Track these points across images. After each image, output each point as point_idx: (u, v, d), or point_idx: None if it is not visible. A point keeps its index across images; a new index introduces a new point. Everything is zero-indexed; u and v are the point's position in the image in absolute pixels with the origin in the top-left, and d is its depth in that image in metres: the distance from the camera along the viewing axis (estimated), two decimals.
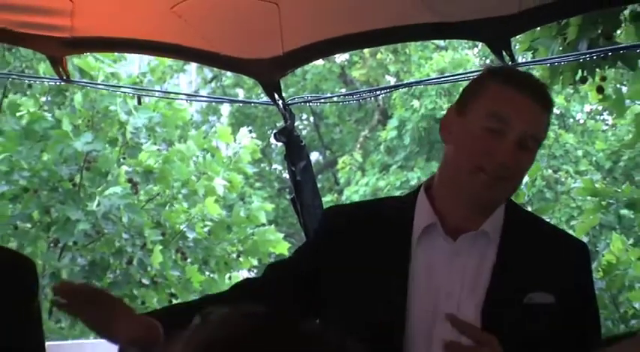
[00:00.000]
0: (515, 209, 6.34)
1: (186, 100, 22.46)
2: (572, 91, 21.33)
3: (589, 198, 23.21)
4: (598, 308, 6.30)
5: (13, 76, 20.65)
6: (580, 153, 24.09)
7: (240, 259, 22.74)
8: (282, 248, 22.47)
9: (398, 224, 6.12)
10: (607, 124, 23.03)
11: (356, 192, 25.29)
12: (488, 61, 12.80)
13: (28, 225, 21.42)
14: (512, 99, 5.91)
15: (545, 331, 5.73)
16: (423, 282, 5.94)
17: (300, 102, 14.14)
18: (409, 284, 5.93)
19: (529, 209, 16.23)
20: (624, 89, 20.85)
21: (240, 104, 24.14)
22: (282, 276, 6.51)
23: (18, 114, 21.93)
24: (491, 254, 5.93)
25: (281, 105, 11.31)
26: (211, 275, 22.39)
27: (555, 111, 24.04)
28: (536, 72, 19.34)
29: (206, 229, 22.33)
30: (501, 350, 5.55)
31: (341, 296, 6.18)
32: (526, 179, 24.35)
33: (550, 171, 23.65)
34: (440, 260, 5.98)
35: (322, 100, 21.92)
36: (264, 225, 22.97)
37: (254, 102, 17.16)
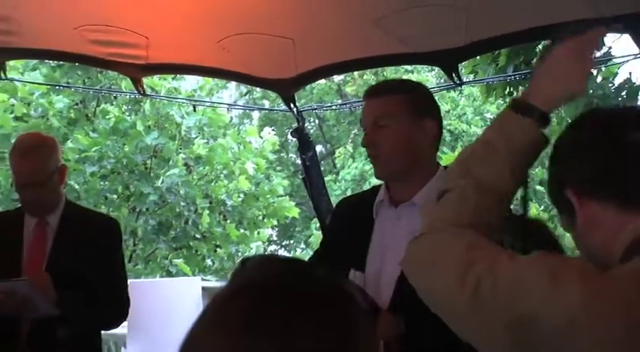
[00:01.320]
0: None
1: (227, 108, 22.62)
2: (502, 102, 21.24)
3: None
4: None
5: (104, 91, 20.84)
6: None
7: (264, 220, 22.80)
8: (294, 212, 22.62)
9: (368, 201, 6.33)
10: None
11: (348, 173, 25.21)
12: (442, 80, 12.91)
13: (114, 197, 21.46)
14: (364, 107, 6.32)
15: None
16: (378, 240, 6.15)
17: (309, 110, 14.18)
18: (370, 243, 6.15)
19: None
20: None
21: (266, 111, 24.04)
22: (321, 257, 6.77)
23: (107, 117, 22.07)
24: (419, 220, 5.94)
25: (295, 112, 11.40)
26: (244, 231, 22.40)
27: (489, 116, 24.09)
28: (476, 89, 19.44)
29: (240, 199, 22.35)
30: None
31: (336, 251, 6.42)
32: None
33: None
34: (388, 224, 6.17)
35: (324, 108, 21.97)
36: (281, 196, 23.03)
37: (276, 110, 17.22)
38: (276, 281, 2.16)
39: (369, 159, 6.38)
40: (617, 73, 18.71)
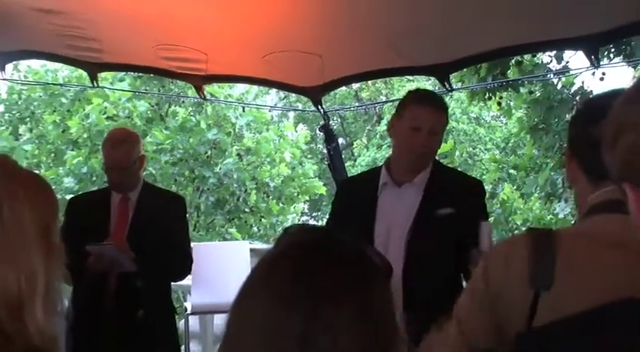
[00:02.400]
0: (440, 167, 6.47)
1: (269, 109, 22.71)
2: (483, 104, 21.17)
3: (492, 163, 23.19)
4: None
5: (174, 96, 20.97)
6: (487, 138, 23.98)
7: (298, 197, 22.91)
8: (322, 190, 22.86)
9: (372, 183, 6.24)
10: (502, 122, 22.85)
11: (363, 160, 25.22)
12: (436, 87, 13.04)
13: (182, 179, 21.59)
14: (423, 110, 6.02)
15: (449, 232, 5.80)
16: (382, 214, 6.06)
17: (332, 110, 14.15)
18: (376, 221, 6.03)
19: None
20: (512, 103, 20.89)
21: (299, 111, 24.03)
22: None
23: (176, 117, 22.21)
24: (419, 195, 6.05)
25: (322, 112, 11.46)
26: (282, 206, 22.50)
27: (473, 115, 24.09)
28: (463, 94, 19.46)
29: (279, 180, 22.43)
30: None
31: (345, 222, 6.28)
32: (458, 152, 24.58)
33: (470, 148, 23.55)
34: (391, 200, 6.10)
35: (344, 109, 22.01)
36: (312, 178, 23.11)
37: (307, 110, 17.26)
38: (313, 244, 2.18)
39: (414, 155, 6.11)
40: (573, 83, 18.95)
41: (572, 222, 18.29)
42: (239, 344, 2.06)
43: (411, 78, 13.24)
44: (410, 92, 6.52)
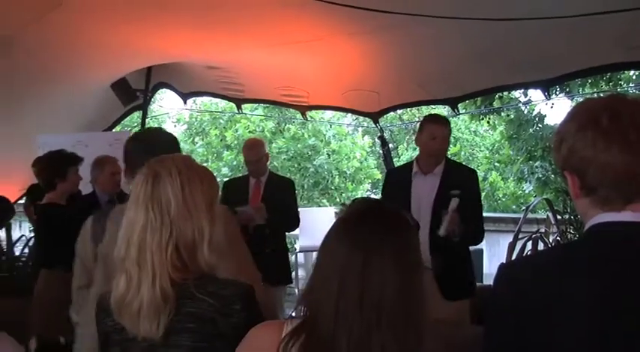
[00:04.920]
0: (451, 162, 6.35)
1: (346, 126, 22.39)
2: (478, 122, 20.97)
3: (484, 159, 22.93)
4: (481, 198, 6.37)
5: (288, 119, 20.83)
6: (481, 144, 23.47)
7: (365, 180, 22.66)
8: (379, 176, 22.29)
9: (407, 172, 6.16)
10: (490, 134, 22.42)
11: (404, 158, 24.86)
12: (449, 112, 13.08)
13: (293, 169, 21.50)
14: (436, 129, 5.99)
15: (459, 205, 5.64)
16: (416, 193, 5.97)
17: (385, 126, 14.06)
18: (411, 196, 5.95)
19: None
20: (496, 122, 20.74)
21: (365, 127, 23.87)
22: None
23: (289, 131, 22.22)
24: (438, 180, 5.96)
25: (379, 127, 11.47)
26: (354, 186, 22.26)
27: (472, 129, 23.77)
28: (466, 116, 19.19)
29: (353, 170, 22.22)
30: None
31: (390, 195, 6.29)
32: (462, 152, 24.33)
33: (470, 150, 23.21)
34: (421, 185, 6.01)
35: (393, 126, 21.71)
36: (373, 168, 22.88)
37: (370, 127, 17.31)
38: (369, 209, 2.18)
39: (431, 157, 6.10)
40: (533, 109, 19.05)
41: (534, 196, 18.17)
42: (323, 271, 2.09)
43: (433, 106, 13.20)
44: (426, 116, 6.60)
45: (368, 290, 1.98)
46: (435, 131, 5.99)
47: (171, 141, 3.68)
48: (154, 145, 3.52)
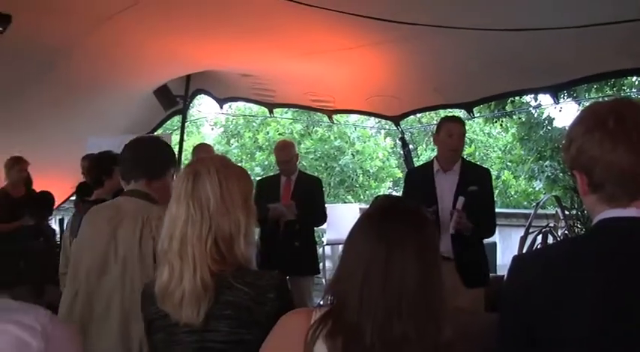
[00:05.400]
0: (467, 161, 6.33)
1: (369, 128, 22.42)
2: (492, 125, 20.91)
3: (497, 159, 22.82)
4: (494, 195, 6.34)
5: (315, 122, 20.82)
6: (494, 145, 23.38)
7: (386, 178, 22.66)
8: (400, 174, 22.16)
9: (429, 170, 6.13)
10: (503, 136, 22.27)
11: (423, 158, 24.77)
12: (465, 115, 12.97)
13: (320, 168, 21.55)
14: (452, 126, 5.99)
15: (476, 200, 5.70)
16: (438, 190, 5.94)
17: (406, 129, 14.06)
18: (436, 192, 5.93)
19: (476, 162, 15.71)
20: (508, 124, 20.66)
21: (387, 129, 23.83)
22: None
23: (317, 133, 22.25)
24: (457, 177, 5.94)
25: (400, 130, 11.46)
26: (377, 183, 22.24)
27: (486, 131, 23.66)
28: (480, 119, 19.22)
29: (375, 169, 22.21)
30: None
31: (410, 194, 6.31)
32: (477, 153, 24.22)
33: (484, 151, 23.09)
34: (443, 181, 5.98)
35: (413, 128, 21.70)
36: (394, 168, 22.82)
37: (391, 129, 17.27)
38: (391, 205, 2.19)
39: (448, 153, 6.09)
40: (543, 112, 18.94)
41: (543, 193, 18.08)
42: (349, 263, 2.10)
43: (450, 110, 13.22)
44: (443, 117, 6.68)
45: (390, 281, 2.00)
46: (451, 128, 6.01)
47: (159, 153, 3.67)
48: (140, 156, 3.60)
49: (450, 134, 5.98)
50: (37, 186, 8.84)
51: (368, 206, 2.27)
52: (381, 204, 2.23)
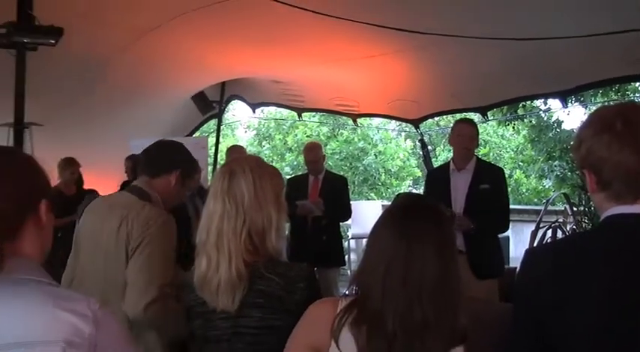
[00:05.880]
0: (481, 161, 6.27)
1: (391, 131, 22.27)
2: (504, 127, 20.84)
3: (510, 159, 22.65)
4: (507, 193, 6.17)
5: (340, 125, 20.69)
6: (507, 146, 23.18)
7: (407, 177, 22.54)
8: (419, 173, 22.13)
9: (445, 170, 6.10)
10: (515, 137, 22.13)
11: (441, 158, 24.60)
12: (479, 118, 12.87)
13: (345, 167, 21.50)
14: (462, 127, 6.04)
15: (488, 198, 5.70)
16: (453, 188, 5.89)
17: (425, 131, 14.01)
18: (450, 189, 5.89)
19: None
20: (520, 127, 20.55)
21: (407, 132, 23.73)
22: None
23: (342, 136, 22.20)
24: (470, 176, 5.88)
25: (419, 132, 11.39)
26: (398, 182, 22.15)
27: (500, 133, 23.48)
28: (494, 122, 19.17)
29: (397, 168, 22.13)
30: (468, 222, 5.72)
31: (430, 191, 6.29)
32: (491, 153, 24.10)
33: (498, 151, 22.85)
34: (457, 180, 5.93)
35: (432, 131, 21.54)
36: (414, 167, 22.73)
37: (411, 131, 17.16)
38: (414, 202, 2.25)
39: (461, 151, 6.06)
40: (552, 116, 18.94)
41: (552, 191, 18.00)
42: (372, 256, 2.12)
43: (466, 113, 13.15)
44: (457, 120, 6.76)
45: (411, 274, 2.01)
46: (461, 129, 6.03)
47: (165, 154, 3.60)
48: (148, 156, 3.57)
49: (460, 134, 5.99)
50: (87, 183, 9.01)
51: (390, 203, 2.28)
52: (403, 201, 2.26)
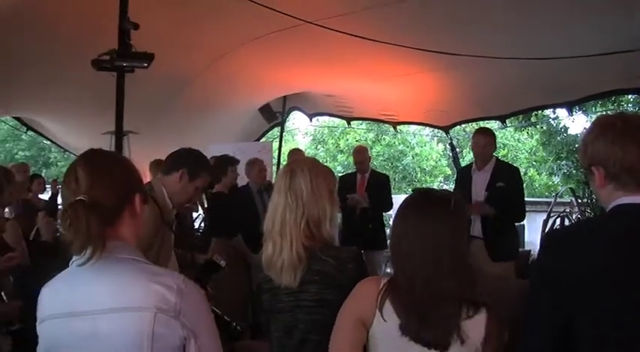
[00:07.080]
0: (500, 161, 6.12)
1: (426, 136, 22.17)
2: (520, 133, 20.69)
3: (525, 160, 22.44)
4: (523, 189, 6.00)
5: (383, 132, 20.53)
6: (523, 148, 23.05)
7: (439, 175, 22.43)
8: (449, 172, 22.07)
9: (469, 170, 6.03)
10: (529, 141, 21.95)
11: (467, 159, 24.51)
12: (499, 125, 12.61)
13: (387, 167, 21.57)
14: (477, 137, 5.93)
15: (504, 195, 5.60)
16: (473, 185, 5.80)
17: (454, 137, 13.89)
18: (471, 186, 5.79)
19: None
20: (533, 132, 20.30)
21: (439, 136, 23.60)
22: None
23: (385, 140, 22.06)
24: (489, 175, 5.76)
25: (449, 137, 11.31)
26: (432, 179, 22.08)
27: (516, 137, 23.16)
28: (512, 128, 18.99)
29: (430, 167, 22.01)
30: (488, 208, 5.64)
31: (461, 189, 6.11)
32: (509, 154, 23.80)
33: (515, 153, 22.65)
34: (477, 177, 5.82)
35: (459, 136, 21.35)
36: (444, 166, 22.58)
37: (442, 136, 17.12)
38: (430, 190, 2.24)
39: (477, 156, 5.95)
40: (559, 122, 19.00)
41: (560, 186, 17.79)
42: (400, 236, 2.13)
43: (487, 121, 13.05)
44: (475, 130, 6.62)
45: (431, 249, 2.03)
46: (476, 139, 5.93)
47: (176, 156, 3.64)
48: (166, 159, 3.64)
49: (475, 142, 5.91)
50: None
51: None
52: (421, 190, 2.25)
